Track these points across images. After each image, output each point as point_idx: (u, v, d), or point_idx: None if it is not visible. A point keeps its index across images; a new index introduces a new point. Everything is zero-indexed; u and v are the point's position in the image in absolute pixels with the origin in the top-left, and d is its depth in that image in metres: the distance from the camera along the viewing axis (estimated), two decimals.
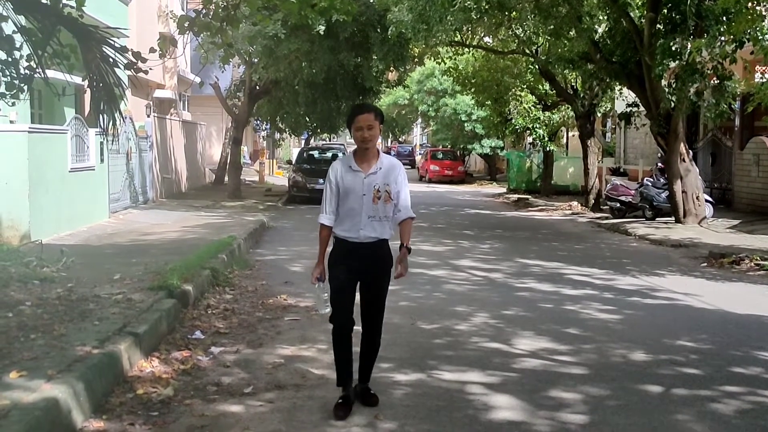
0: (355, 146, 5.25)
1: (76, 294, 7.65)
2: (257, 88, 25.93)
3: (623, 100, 22.05)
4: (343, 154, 27.71)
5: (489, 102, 28.92)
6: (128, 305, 7.20)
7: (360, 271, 5.21)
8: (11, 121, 13.90)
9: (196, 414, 5.09)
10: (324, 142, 43.01)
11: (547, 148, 28.48)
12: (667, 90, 17.78)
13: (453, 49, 25.31)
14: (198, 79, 23.14)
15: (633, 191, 20.05)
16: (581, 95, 24.08)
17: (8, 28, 7.48)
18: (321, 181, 24.38)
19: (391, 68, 24.83)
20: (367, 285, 5.28)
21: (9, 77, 7.52)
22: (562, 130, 32.47)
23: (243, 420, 5.00)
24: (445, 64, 26.89)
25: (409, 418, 5.07)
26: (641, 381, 5.98)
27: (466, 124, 38.68)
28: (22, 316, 6.57)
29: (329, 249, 5.37)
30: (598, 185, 24.12)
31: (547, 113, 27.96)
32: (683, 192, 18.02)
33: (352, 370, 5.33)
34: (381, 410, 5.17)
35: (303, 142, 44.96)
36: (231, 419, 5.01)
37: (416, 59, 28.41)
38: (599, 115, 26.98)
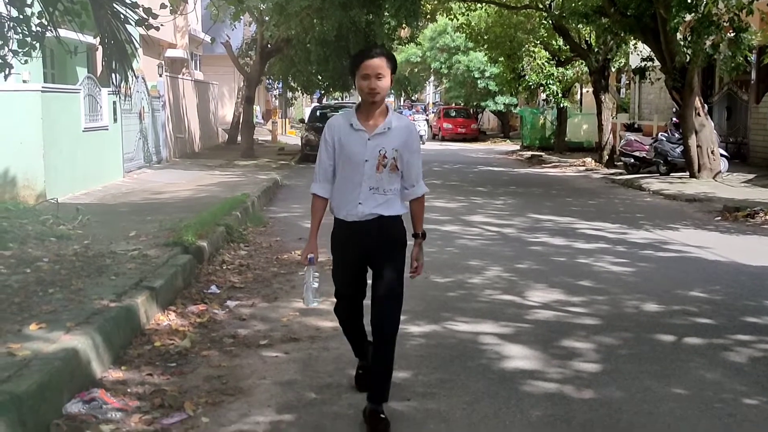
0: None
1: (93, 250, 7.72)
2: (269, 46, 25.80)
3: (638, 54, 21.80)
4: None
5: (502, 58, 28.67)
6: (144, 261, 7.27)
7: (365, 256, 4.30)
8: (24, 81, 13.92)
9: (213, 365, 5.17)
10: (336, 101, 42.84)
11: (561, 105, 28.27)
12: (682, 43, 17.59)
13: (465, 5, 25.07)
14: (209, 38, 23.07)
15: (647, 147, 19.92)
16: (595, 50, 23.84)
17: None
18: None
19: (403, 25, 24.59)
20: (376, 270, 4.31)
21: (21, 34, 7.52)
22: (575, 86, 32.17)
23: (259, 370, 5.07)
24: (457, 20, 26.60)
25: (422, 368, 5.12)
26: (654, 331, 6.01)
27: (479, 82, 38.44)
28: (40, 272, 6.64)
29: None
30: (612, 141, 23.97)
31: (561, 69, 27.70)
32: (698, 146, 17.90)
33: (367, 341, 4.62)
34: (395, 360, 5.22)
35: (315, 100, 44.81)
36: (248, 369, 5.09)
37: (428, 15, 28.08)
38: (613, 70, 26.68)
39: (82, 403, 4.23)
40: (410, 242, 4.37)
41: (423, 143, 33.66)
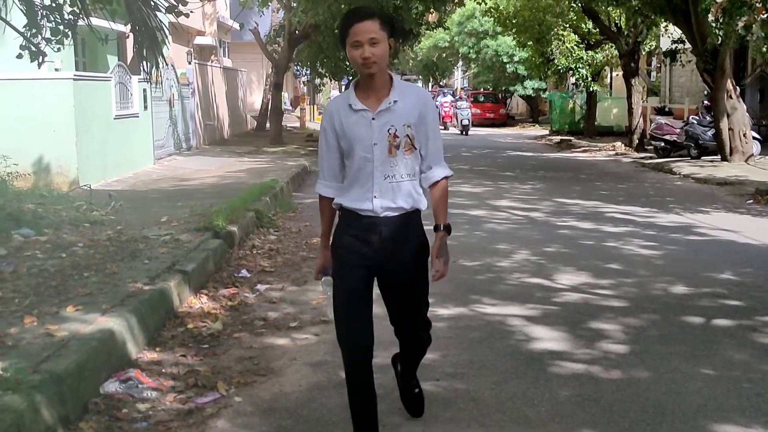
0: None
1: (126, 235, 7.85)
2: (297, 32, 25.84)
3: (669, 36, 21.58)
4: None
5: (531, 42, 28.50)
6: (176, 245, 7.38)
7: (378, 264, 3.54)
8: (56, 69, 14.11)
9: (244, 346, 5.26)
10: None
11: (591, 89, 28.07)
12: (713, 25, 17.39)
13: None
14: (237, 25, 23.16)
15: (678, 130, 19.75)
16: (625, 33, 23.64)
17: None
18: None
19: (431, 9, 24.55)
20: (391, 286, 3.66)
21: (53, 23, 7.66)
22: (605, 70, 31.96)
23: (290, 351, 5.16)
24: (485, 4, 26.43)
25: (451, 349, 5.18)
26: (682, 313, 6.01)
27: (507, 66, 38.27)
28: (75, 256, 6.77)
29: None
30: (643, 125, 23.79)
31: (590, 52, 27.51)
32: (730, 129, 17.73)
33: (376, 423, 3.63)
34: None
35: (343, 87, 44.86)
36: (278, 351, 5.17)
37: (456, 0, 28.02)
38: (644, 53, 26.45)
39: (118, 382, 4.34)
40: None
41: (467, 133, 32.64)
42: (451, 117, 36.38)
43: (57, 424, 3.67)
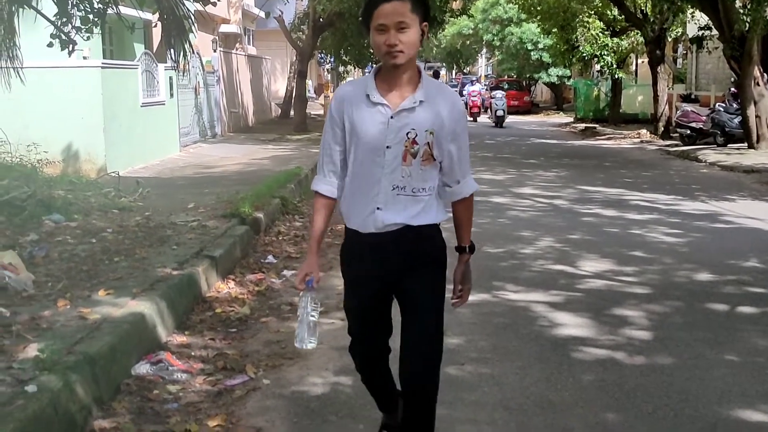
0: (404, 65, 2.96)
1: (154, 221, 7.96)
2: (321, 20, 25.89)
3: (695, 23, 21.40)
4: None
5: (555, 29, 28.35)
6: (203, 231, 7.48)
7: (387, 282, 3.14)
8: (84, 57, 14.25)
9: (272, 330, 5.35)
10: None
11: (616, 76, 27.89)
12: (741, 11, 17.24)
13: None
14: (263, 13, 23.25)
15: (704, 117, 19.60)
16: (651, 20, 23.45)
17: None
18: None
19: None
20: (405, 302, 3.16)
21: (83, 11, 7.76)
22: (631, 57, 31.71)
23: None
24: None
25: (475, 334, 5.23)
26: (707, 300, 6.03)
27: (532, 53, 38.07)
28: (104, 242, 6.89)
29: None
30: (668, 112, 23.63)
31: (616, 39, 27.32)
32: (757, 117, 17.59)
33: (395, 391, 3.45)
34: (449, 327, 5.32)
35: (367, 74, 44.83)
36: None
37: None
38: (670, 40, 26.23)
39: (149, 364, 4.44)
40: (451, 258, 3.21)
41: (502, 124, 29.73)
42: (478, 107, 33.78)
43: (91, 403, 3.77)
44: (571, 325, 5.44)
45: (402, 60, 2.91)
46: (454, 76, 76.78)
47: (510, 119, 32.92)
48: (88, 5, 7.79)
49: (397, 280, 3.11)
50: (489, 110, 31.79)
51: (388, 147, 2.97)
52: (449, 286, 3.20)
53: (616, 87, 28.69)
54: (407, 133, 2.96)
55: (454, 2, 27.09)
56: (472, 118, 31.97)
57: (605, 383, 4.38)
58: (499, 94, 31.21)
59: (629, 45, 28.03)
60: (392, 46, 2.87)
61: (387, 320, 3.26)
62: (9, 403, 3.28)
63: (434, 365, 3.17)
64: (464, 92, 37.89)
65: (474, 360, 4.77)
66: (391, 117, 2.96)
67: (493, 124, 29.97)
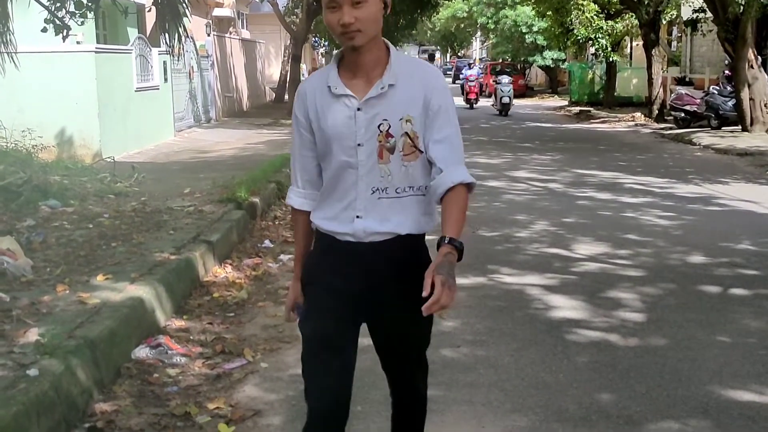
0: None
1: (150, 206, 7.98)
2: (315, 4, 25.77)
3: (689, 5, 21.39)
4: None
5: (550, 12, 28.29)
6: (200, 216, 7.51)
7: (362, 303, 2.59)
8: (78, 42, 14.22)
9: (269, 315, 5.39)
10: None
11: (610, 59, 27.89)
12: None
13: None
14: None
15: (698, 100, 19.63)
16: (645, 2, 23.42)
17: None
18: None
19: None
20: (381, 331, 2.70)
21: None
22: (625, 40, 31.66)
23: None
24: None
25: (471, 317, 5.29)
26: (699, 282, 6.09)
27: (526, 36, 38.02)
28: (101, 227, 6.92)
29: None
30: (663, 95, 23.66)
31: (610, 22, 27.29)
32: (751, 99, 17.64)
33: None
34: (444, 310, 5.37)
35: None
36: None
37: None
38: (664, 22, 26.22)
39: (149, 348, 4.48)
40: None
41: (507, 111, 26.52)
42: (476, 93, 30.86)
43: (92, 387, 3.82)
44: (566, 307, 5.50)
45: (361, 40, 2.41)
46: (448, 60, 76.69)
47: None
48: None
49: (373, 302, 2.57)
50: (493, 96, 28.46)
51: (359, 145, 2.48)
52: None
53: (611, 70, 28.70)
54: (379, 125, 2.47)
55: None
56: (468, 105, 30.50)
57: (599, 364, 4.44)
58: (505, 79, 27.50)
59: (624, 28, 28.00)
60: (347, 25, 2.38)
61: (348, 355, 2.60)
62: (11, 387, 3.32)
63: (417, 398, 2.82)
64: (461, 76, 37.19)
65: (469, 342, 4.82)
66: (358, 109, 2.47)
67: (497, 112, 27.04)
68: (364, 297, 2.57)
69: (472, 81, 30.91)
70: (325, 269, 2.60)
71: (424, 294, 2.22)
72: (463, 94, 30.89)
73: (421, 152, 2.50)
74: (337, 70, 2.53)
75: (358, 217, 2.52)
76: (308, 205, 2.68)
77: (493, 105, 28.31)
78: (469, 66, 33.32)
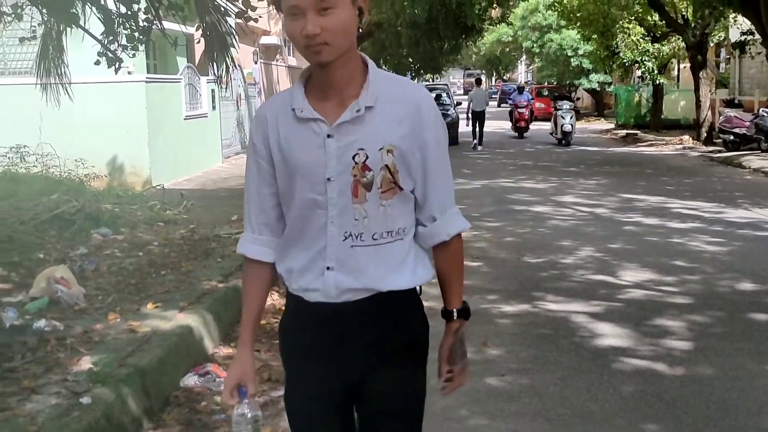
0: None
1: (198, 234, 8.13)
2: (360, 30, 26.01)
3: (737, 28, 21.16)
4: (448, 95, 27.50)
5: (595, 36, 28.19)
6: None
7: (346, 381, 2.17)
8: (129, 72, 14.54)
9: None
10: (427, 83, 42.91)
11: (657, 82, 27.67)
12: None
13: None
14: None
15: (748, 123, 19.35)
16: (692, 25, 23.24)
17: None
18: None
19: (494, 5, 24.53)
20: (366, 408, 2.21)
21: (129, 30, 7.96)
22: (672, 62, 31.42)
23: None
24: None
25: (516, 345, 5.28)
26: (748, 310, 6.00)
27: (572, 60, 37.91)
28: (151, 255, 7.06)
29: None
30: (711, 118, 23.37)
31: (657, 45, 27.11)
32: None
33: None
34: (489, 338, 5.40)
35: None
36: None
37: None
38: (712, 44, 25.98)
39: (197, 376, 4.56)
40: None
41: (569, 141, 23.54)
42: (526, 120, 27.53)
43: (142, 415, 3.90)
44: (612, 335, 5.47)
45: (329, 55, 1.99)
46: (493, 83, 76.65)
47: (550, 125, 31.19)
48: (133, 23, 7.98)
49: (359, 375, 2.15)
50: (552, 124, 25.08)
51: (329, 179, 2.05)
52: (434, 367, 2.26)
53: (658, 93, 28.45)
54: (353, 156, 2.04)
55: (493, 10, 27.11)
56: (517, 134, 27.44)
57: (645, 394, 4.40)
58: (566, 105, 24.73)
59: (670, 50, 27.80)
60: (311, 36, 1.96)
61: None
62: (65, 415, 3.42)
63: None
64: (508, 101, 35.29)
65: (514, 370, 4.82)
66: (329, 136, 2.05)
67: (557, 141, 24.19)
68: (347, 371, 2.14)
69: (523, 107, 27.67)
70: (297, 338, 2.19)
71: (439, 383, 2.23)
72: (511, 120, 28.11)
73: (401, 189, 2.09)
74: (304, 89, 2.12)
75: (329, 268, 2.08)
76: (265, 254, 2.20)
77: (551, 133, 25.16)
78: (519, 91, 29.26)
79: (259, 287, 2.25)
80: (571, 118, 23.83)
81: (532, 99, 31.01)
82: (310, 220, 2.11)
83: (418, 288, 2.19)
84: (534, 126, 29.33)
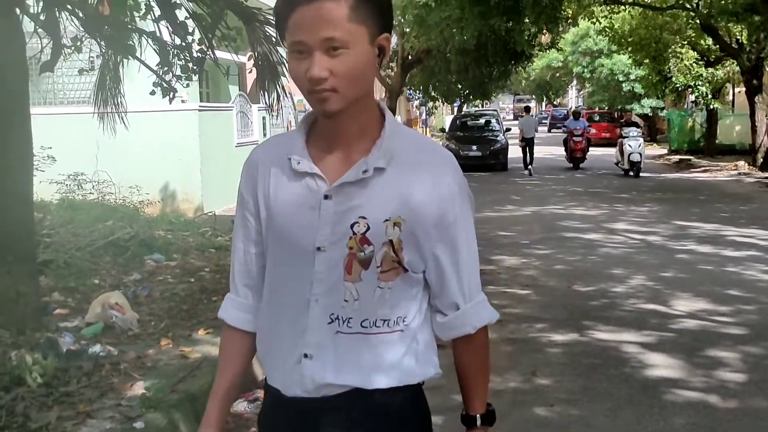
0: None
1: None
2: (409, 57, 26.29)
3: None
4: (497, 121, 27.47)
5: (647, 60, 27.99)
6: None
7: None
8: (183, 101, 14.84)
9: None
10: (477, 109, 42.93)
11: (711, 106, 27.30)
12: None
13: (608, 8, 24.67)
14: None
15: None
16: (747, 49, 22.94)
17: (182, 15, 8.07)
18: (474, 148, 24.45)
19: (544, 31, 24.51)
20: None
21: (183, 60, 8.14)
22: (726, 87, 31.00)
23: None
24: (600, 23, 26.21)
25: (565, 375, 5.24)
26: None
27: (623, 84, 37.63)
28: (203, 281, 7.17)
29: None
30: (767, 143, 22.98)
31: (710, 69, 26.79)
32: None
33: None
34: (538, 367, 5.36)
35: (455, 109, 45.11)
36: None
37: (570, 20, 27.85)
38: (767, 69, 25.59)
39: (246, 402, 4.61)
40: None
41: (638, 172, 20.94)
42: (582, 150, 24.62)
43: None
44: (663, 366, 5.39)
45: (336, 104, 1.64)
46: (543, 109, 76.36)
47: (602, 151, 30.92)
48: (187, 54, 8.16)
49: None
50: (618, 152, 22.19)
51: (319, 249, 1.70)
52: None
53: (712, 117, 28.07)
54: (352, 225, 1.69)
55: (543, 36, 27.10)
56: (572, 164, 24.71)
57: (697, 427, 4.33)
58: (633, 131, 21.78)
59: (725, 75, 27.44)
60: (317, 80, 1.61)
61: None
62: None
63: None
64: (563, 128, 30.18)
65: (563, 401, 4.78)
66: (326, 196, 1.70)
67: (623, 172, 21.60)
68: None
69: (578, 135, 24.55)
70: None
71: None
72: (565, 150, 25.29)
73: (405, 270, 1.72)
74: (306, 137, 1.79)
75: (306, 356, 1.73)
76: (247, 322, 1.89)
77: (617, 163, 22.38)
78: (574, 116, 26.35)
79: (237, 358, 1.94)
80: (639, 146, 21.10)
81: (589, 126, 27.74)
82: (291, 294, 1.75)
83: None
84: (590, 151, 27.38)
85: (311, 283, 1.72)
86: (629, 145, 21.18)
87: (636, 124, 23.81)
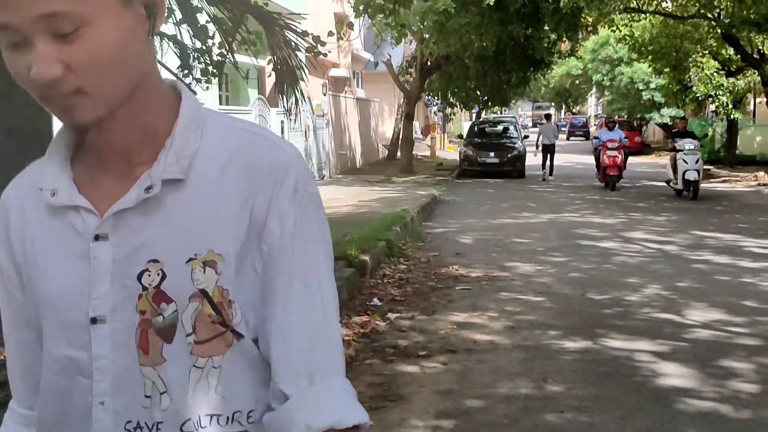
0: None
1: None
2: (428, 63, 26.32)
3: None
4: (515, 128, 27.49)
5: (667, 69, 27.91)
6: None
7: None
8: (202, 104, 14.97)
9: (375, 372, 5.50)
10: (495, 115, 42.90)
11: (732, 116, 27.16)
12: None
13: (629, 16, 24.63)
14: (372, 58, 23.81)
15: None
16: None
17: (202, 18, 8.15)
18: (492, 154, 24.50)
19: (564, 38, 24.49)
20: None
21: (204, 64, 8.22)
22: (747, 97, 30.83)
23: (419, 379, 5.36)
24: (620, 31, 26.15)
25: (577, 382, 5.24)
26: None
27: (643, 93, 37.50)
28: None
29: None
30: None
31: (732, 79, 26.66)
32: None
33: None
34: (549, 373, 5.37)
35: (474, 115, 45.11)
36: (408, 378, 5.38)
37: (590, 28, 27.77)
38: None
39: None
40: None
41: (696, 192, 17.16)
42: (618, 167, 20.07)
43: None
44: (675, 375, 5.38)
45: (90, 112, 1.06)
46: (563, 116, 76.19)
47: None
48: (207, 57, 8.24)
49: None
50: (670, 169, 18.29)
51: (95, 321, 1.12)
52: None
53: (732, 128, 27.92)
54: (139, 276, 1.12)
55: (562, 44, 27.06)
56: (605, 184, 20.13)
57: None
58: (688, 144, 17.58)
59: (746, 85, 27.30)
60: (48, 84, 1.02)
61: None
62: None
63: None
64: (593, 140, 25.62)
65: (574, 408, 4.78)
66: (96, 237, 1.13)
67: (675, 193, 18.01)
68: None
69: (613, 149, 20.04)
70: None
71: None
72: (597, 167, 20.94)
73: (238, 336, 1.14)
74: (72, 153, 1.19)
75: None
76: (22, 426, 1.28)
77: (668, 182, 18.46)
78: (609, 127, 21.74)
79: None
80: (697, 161, 17.14)
81: (626, 137, 22.46)
82: (67, 396, 1.16)
83: None
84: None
85: (91, 376, 1.13)
86: (684, 161, 17.27)
87: (692, 134, 18.89)
